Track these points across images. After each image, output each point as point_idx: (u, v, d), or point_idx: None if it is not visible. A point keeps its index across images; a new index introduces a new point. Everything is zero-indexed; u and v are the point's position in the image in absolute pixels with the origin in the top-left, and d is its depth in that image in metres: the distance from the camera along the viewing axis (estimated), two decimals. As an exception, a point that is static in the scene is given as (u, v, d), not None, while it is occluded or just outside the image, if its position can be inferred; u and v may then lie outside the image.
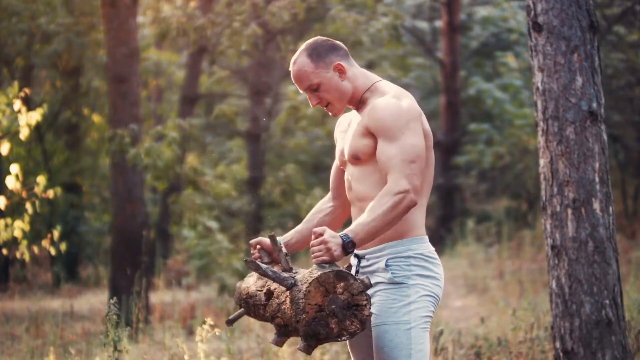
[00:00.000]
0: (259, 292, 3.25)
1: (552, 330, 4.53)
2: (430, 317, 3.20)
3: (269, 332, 7.22)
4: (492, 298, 9.34)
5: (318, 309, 2.92)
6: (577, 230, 4.43)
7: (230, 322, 3.37)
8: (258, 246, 3.39)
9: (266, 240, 3.38)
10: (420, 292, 3.17)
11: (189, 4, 12.93)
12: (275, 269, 3.21)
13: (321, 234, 3.02)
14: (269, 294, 3.18)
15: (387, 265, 3.19)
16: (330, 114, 3.33)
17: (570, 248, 4.43)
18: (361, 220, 3.06)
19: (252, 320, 6.13)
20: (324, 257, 2.99)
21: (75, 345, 6.99)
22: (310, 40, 3.31)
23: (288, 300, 3.02)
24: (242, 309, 3.38)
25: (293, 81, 3.30)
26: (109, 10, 9.24)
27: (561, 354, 4.47)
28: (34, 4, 11.97)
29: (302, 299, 2.93)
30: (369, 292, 3.24)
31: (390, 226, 3.08)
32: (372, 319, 3.21)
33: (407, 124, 3.13)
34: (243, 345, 6.89)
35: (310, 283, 2.92)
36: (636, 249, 10.74)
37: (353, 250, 3.03)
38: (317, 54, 3.25)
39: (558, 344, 4.49)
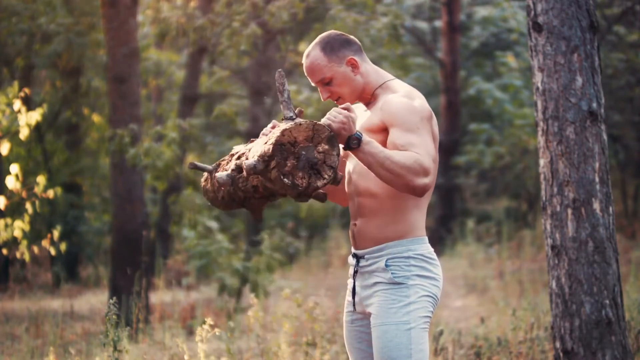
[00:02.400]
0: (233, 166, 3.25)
1: (552, 330, 4.53)
2: (430, 317, 3.20)
3: (269, 332, 7.23)
4: (492, 298, 9.34)
5: (292, 141, 2.91)
6: (577, 230, 4.43)
7: (194, 165, 3.33)
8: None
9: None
10: (419, 293, 3.17)
11: (189, 4, 12.93)
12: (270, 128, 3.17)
13: (349, 109, 3.03)
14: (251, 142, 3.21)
15: (386, 266, 3.19)
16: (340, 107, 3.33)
17: (570, 248, 4.44)
18: (378, 145, 3.03)
19: (252, 320, 6.13)
20: (338, 122, 2.99)
21: (75, 345, 6.99)
22: (324, 34, 3.31)
23: (272, 130, 3.02)
24: (213, 166, 3.36)
25: (305, 74, 3.29)
26: (109, 10, 9.24)
27: (561, 354, 4.47)
28: (34, 4, 11.96)
29: (289, 127, 2.92)
30: (368, 291, 3.25)
31: (387, 174, 3.02)
32: (371, 319, 3.22)
33: (422, 121, 3.13)
34: (243, 345, 6.89)
35: (307, 121, 2.93)
36: (636, 249, 10.74)
37: (355, 144, 3.01)
38: (330, 47, 3.25)
39: (558, 344, 4.49)
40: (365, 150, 3.02)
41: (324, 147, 2.93)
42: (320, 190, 3.01)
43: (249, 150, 3.13)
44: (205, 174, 3.41)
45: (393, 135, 3.12)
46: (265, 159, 2.90)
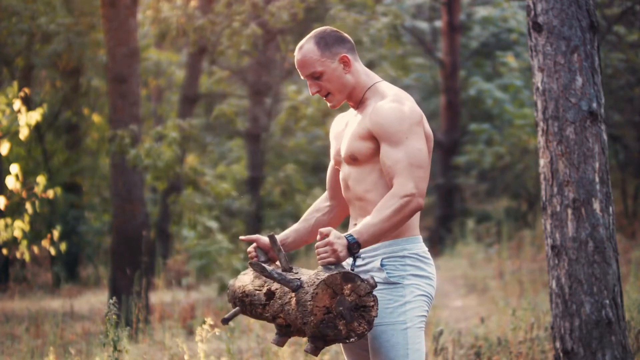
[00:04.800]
0: (257, 291, 3.24)
1: (552, 330, 4.53)
2: (425, 316, 3.21)
3: (269, 332, 7.22)
4: (492, 298, 9.33)
5: (326, 311, 2.91)
6: (577, 230, 4.43)
7: (225, 321, 3.36)
8: (254, 244, 3.39)
9: (263, 238, 3.38)
10: (415, 292, 3.18)
11: (189, 4, 12.93)
12: (272, 267, 3.20)
13: (327, 235, 3.01)
14: (270, 294, 3.17)
15: (382, 265, 3.19)
16: (328, 104, 3.33)
17: (570, 248, 4.43)
18: (366, 222, 3.05)
19: (252, 320, 6.13)
20: (330, 259, 2.99)
21: (75, 345, 6.99)
22: (319, 29, 3.31)
23: (293, 302, 3.00)
24: (237, 308, 3.37)
25: (296, 66, 3.29)
26: (108, 10, 9.24)
27: (561, 354, 4.47)
28: (34, 4, 11.96)
29: (309, 301, 2.91)
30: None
31: (395, 228, 3.07)
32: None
33: (411, 128, 3.13)
34: (243, 345, 6.89)
35: (317, 285, 2.91)
36: (636, 249, 10.73)
37: (358, 251, 3.03)
38: (324, 42, 3.25)
39: (558, 344, 4.49)
40: (368, 240, 3.05)
41: (348, 287, 2.94)
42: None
43: (272, 318, 3.16)
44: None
45: (382, 151, 3.14)
46: (320, 346, 2.95)
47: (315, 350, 2.95)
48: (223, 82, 16.85)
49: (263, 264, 3.07)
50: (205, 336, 4.83)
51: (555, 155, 4.48)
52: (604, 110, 4.54)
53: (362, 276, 2.97)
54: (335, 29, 3.32)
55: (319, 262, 3.00)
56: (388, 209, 3.05)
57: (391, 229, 3.06)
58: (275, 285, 3.15)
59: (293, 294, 3.01)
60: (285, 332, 3.14)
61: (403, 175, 3.08)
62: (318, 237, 3.05)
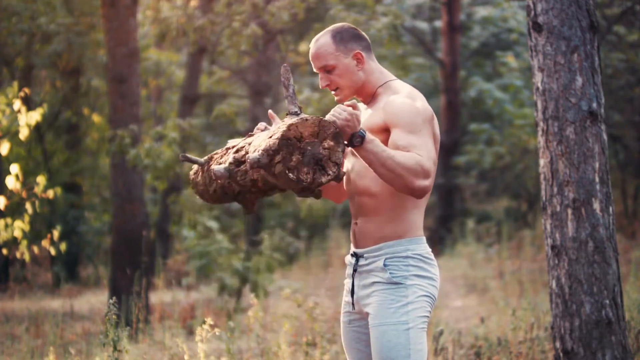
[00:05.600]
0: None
1: (552, 330, 4.53)
2: (428, 317, 3.21)
3: (269, 332, 7.23)
4: (492, 298, 9.33)
5: (298, 136, 2.92)
6: (577, 230, 4.43)
7: (185, 158, 3.32)
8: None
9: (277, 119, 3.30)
10: (417, 293, 3.18)
11: (189, 4, 12.93)
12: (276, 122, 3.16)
13: (354, 107, 3.04)
14: (250, 136, 3.19)
15: (385, 265, 3.19)
16: (335, 98, 3.35)
17: (570, 248, 4.43)
18: (382, 145, 3.05)
19: (252, 320, 6.13)
20: (342, 119, 3.00)
21: (75, 345, 6.99)
22: (337, 25, 3.35)
23: (278, 124, 3.02)
24: (205, 159, 3.35)
25: (310, 58, 3.32)
26: (108, 10, 9.23)
27: (561, 354, 4.47)
28: (34, 4, 11.96)
29: (295, 122, 2.92)
30: (366, 291, 3.26)
31: (389, 173, 3.03)
32: (370, 319, 3.22)
33: (423, 123, 3.15)
34: (243, 345, 6.89)
35: (312, 116, 2.94)
36: (636, 249, 10.73)
37: (358, 141, 3.02)
38: (340, 37, 3.29)
39: (558, 344, 4.49)
40: (368, 149, 3.03)
41: (329, 143, 2.94)
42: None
43: (249, 145, 3.12)
44: (195, 167, 3.41)
45: (395, 135, 3.13)
46: (270, 152, 2.90)
47: (259, 161, 2.89)
48: (223, 82, 16.85)
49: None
50: (205, 336, 4.83)
51: (555, 155, 4.48)
52: (604, 110, 4.54)
53: (340, 158, 2.95)
54: (353, 26, 3.36)
55: (330, 114, 3.01)
56: (403, 158, 3.03)
57: (385, 169, 3.03)
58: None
59: (286, 118, 3.03)
60: (236, 163, 3.10)
61: (422, 155, 3.07)
62: (347, 103, 3.07)
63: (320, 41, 3.30)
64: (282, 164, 2.89)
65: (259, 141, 3.01)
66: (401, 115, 3.14)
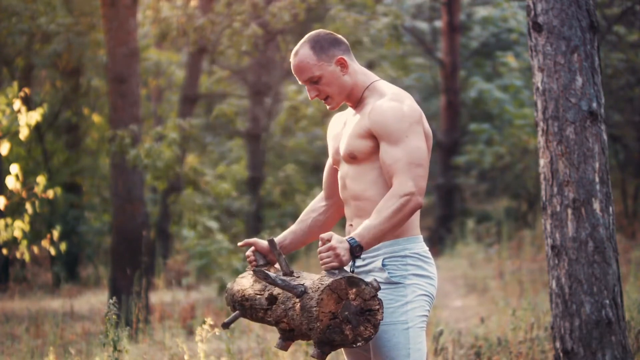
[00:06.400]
0: (258, 295, 3.22)
1: (552, 330, 4.53)
2: (427, 316, 3.21)
3: (269, 332, 7.22)
4: (492, 298, 9.33)
5: (332, 316, 2.90)
6: (577, 230, 4.43)
7: (226, 326, 3.34)
8: (253, 248, 3.38)
9: (261, 242, 3.37)
10: (416, 292, 3.18)
11: (189, 4, 12.93)
12: (272, 271, 3.19)
13: (328, 240, 3.01)
14: (272, 298, 3.16)
15: (383, 265, 3.19)
16: (327, 107, 3.33)
17: (570, 248, 4.43)
18: (367, 224, 3.05)
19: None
20: (333, 263, 2.98)
21: (75, 345, 6.99)
22: (313, 33, 3.30)
23: (297, 307, 2.99)
24: (237, 312, 3.35)
25: (293, 72, 3.29)
26: (109, 10, 9.23)
27: (561, 354, 4.47)
28: (34, 4, 11.96)
29: (315, 307, 2.90)
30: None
31: (396, 228, 3.07)
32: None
33: (410, 126, 3.13)
34: (243, 345, 6.89)
35: (322, 291, 2.89)
36: (636, 249, 10.73)
37: (360, 254, 3.03)
38: (320, 46, 3.25)
39: (558, 344, 4.49)
40: (370, 243, 3.04)
41: (353, 292, 2.93)
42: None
43: (275, 323, 3.14)
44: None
45: (382, 150, 3.14)
46: (326, 350, 2.93)
47: (322, 356, 2.94)
48: (223, 82, 16.85)
49: (266, 271, 3.05)
50: (205, 336, 4.83)
51: (555, 155, 4.48)
52: (604, 110, 4.54)
53: (366, 279, 2.96)
54: (328, 31, 3.32)
55: (322, 267, 2.99)
56: (388, 209, 3.05)
57: (392, 229, 3.07)
58: (277, 290, 3.14)
59: (297, 300, 2.99)
60: (288, 336, 3.13)
61: (402, 174, 3.08)
62: (320, 242, 3.04)
63: (300, 54, 3.25)
64: (344, 344, 2.92)
65: (300, 330, 3.01)
66: (385, 125, 3.13)
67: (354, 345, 2.92)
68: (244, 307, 3.30)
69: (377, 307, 2.93)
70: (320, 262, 2.99)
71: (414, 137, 3.13)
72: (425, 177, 3.12)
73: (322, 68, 3.24)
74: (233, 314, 3.37)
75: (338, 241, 2.99)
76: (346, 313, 2.91)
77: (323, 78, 3.25)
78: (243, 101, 16.75)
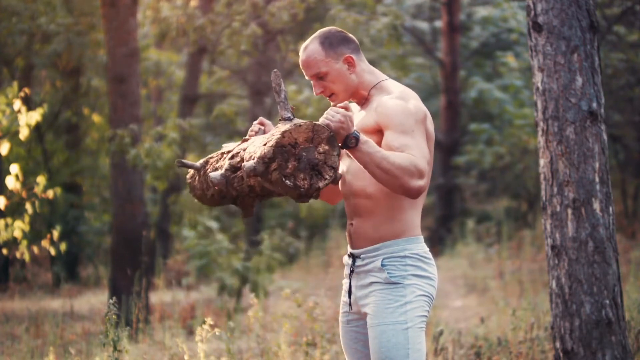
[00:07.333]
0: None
1: (552, 330, 4.53)
2: (426, 316, 3.20)
3: (269, 332, 7.23)
4: (492, 298, 9.33)
5: (293, 142, 2.91)
6: (577, 230, 4.43)
7: (180, 163, 3.33)
8: (259, 124, 3.35)
9: (271, 125, 3.33)
10: (416, 292, 3.18)
11: (189, 4, 12.93)
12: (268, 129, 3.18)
13: (347, 108, 3.03)
14: (245, 141, 3.18)
15: (383, 265, 3.19)
16: (332, 104, 3.34)
17: (570, 248, 4.43)
18: (377, 146, 3.04)
19: (252, 320, 6.13)
20: (336, 122, 2.99)
21: (75, 345, 6.99)
22: (324, 30, 3.32)
23: (271, 129, 3.00)
24: (200, 162, 3.34)
25: (301, 66, 3.30)
26: (108, 10, 9.23)
27: (561, 354, 4.47)
28: (34, 4, 11.96)
29: (288, 128, 2.91)
30: (364, 291, 3.25)
31: (383, 174, 3.02)
32: (368, 319, 3.21)
33: (416, 124, 3.14)
34: (243, 345, 6.89)
35: (306, 122, 2.93)
36: (636, 249, 10.73)
37: (353, 143, 3.00)
38: (329, 43, 3.26)
39: (558, 344, 4.49)
40: (363, 150, 3.02)
41: (324, 147, 2.93)
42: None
43: (244, 150, 3.11)
44: (192, 171, 3.41)
45: (388, 137, 3.12)
46: (265, 160, 2.90)
47: (255, 169, 2.89)
48: (223, 82, 16.85)
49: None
50: (205, 336, 4.83)
51: (555, 155, 4.48)
52: (604, 110, 4.54)
53: (336, 161, 2.95)
54: (340, 29, 3.33)
55: (323, 117, 3.00)
56: (397, 159, 3.02)
57: (380, 170, 3.02)
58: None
59: (279, 124, 3.02)
60: (232, 171, 3.10)
61: (416, 155, 3.06)
62: (340, 105, 3.05)
63: (309, 49, 3.27)
64: (278, 171, 2.88)
65: (254, 148, 3.01)
66: (393, 116, 3.13)
67: (284, 180, 2.88)
68: (208, 162, 3.30)
69: (327, 177, 2.93)
70: (326, 113, 3.00)
71: (420, 134, 3.14)
72: (430, 173, 3.12)
73: (329, 65, 3.26)
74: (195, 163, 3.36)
75: (350, 117, 3.00)
76: (304, 153, 2.91)
77: (329, 75, 3.27)
78: (243, 101, 16.75)
